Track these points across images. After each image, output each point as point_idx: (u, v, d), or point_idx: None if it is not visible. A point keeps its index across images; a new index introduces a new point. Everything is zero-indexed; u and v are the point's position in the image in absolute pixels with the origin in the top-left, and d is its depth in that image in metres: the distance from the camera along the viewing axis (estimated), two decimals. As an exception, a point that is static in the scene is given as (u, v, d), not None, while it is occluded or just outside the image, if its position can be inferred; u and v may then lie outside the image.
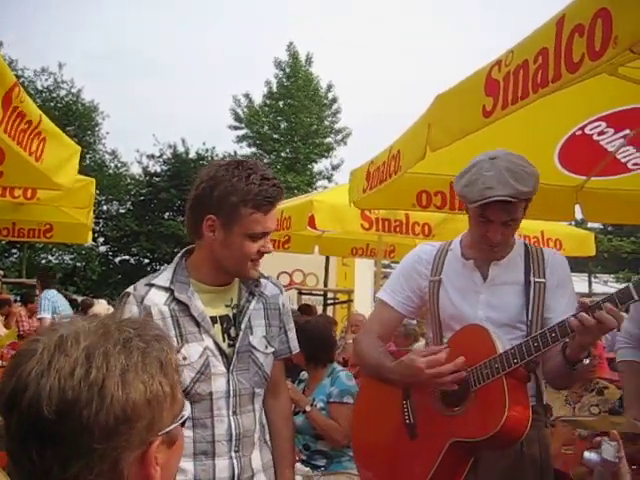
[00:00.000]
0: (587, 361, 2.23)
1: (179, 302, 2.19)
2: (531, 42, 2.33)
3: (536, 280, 2.48)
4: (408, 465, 2.47)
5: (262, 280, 2.37)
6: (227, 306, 2.28)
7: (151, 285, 2.21)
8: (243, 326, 2.26)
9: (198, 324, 2.18)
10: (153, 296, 2.18)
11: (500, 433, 2.19)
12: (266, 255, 2.29)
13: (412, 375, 2.37)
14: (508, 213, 2.38)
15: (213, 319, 2.22)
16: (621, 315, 2.12)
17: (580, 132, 3.89)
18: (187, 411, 1.15)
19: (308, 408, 4.06)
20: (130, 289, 2.22)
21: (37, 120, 3.52)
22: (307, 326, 4.53)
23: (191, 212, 2.23)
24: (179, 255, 2.32)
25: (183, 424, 1.14)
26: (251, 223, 2.13)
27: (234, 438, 2.18)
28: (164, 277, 2.24)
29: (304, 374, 4.52)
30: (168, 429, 1.07)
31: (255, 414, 2.27)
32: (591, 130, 3.87)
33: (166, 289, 2.20)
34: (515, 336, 2.43)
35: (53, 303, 8.81)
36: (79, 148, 4.55)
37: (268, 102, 31.99)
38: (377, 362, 2.56)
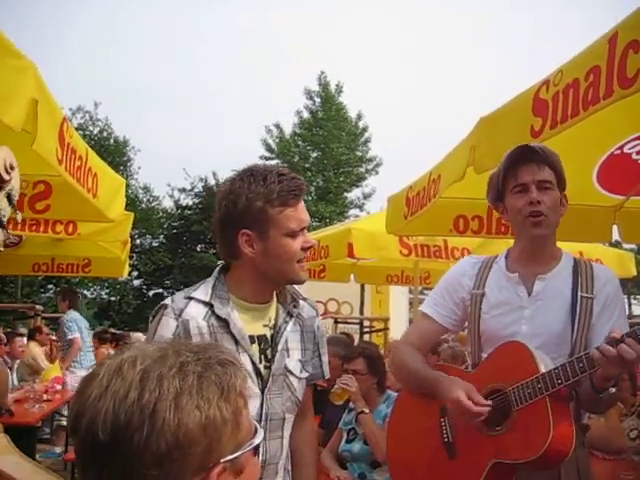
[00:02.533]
0: (613, 390, 2.18)
1: (218, 318, 2.10)
2: (581, 60, 2.33)
3: (583, 295, 2.41)
4: None
5: (300, 301, 2.30)
6: (265, 326, 2.20)
7: (190, 298, 2.13)
8: (280, 347, 2.18)
9: (237, 342, 2.09)
10: (192, 310, 2.09)
11: (545, 455, 2.13)
12: (294, 286, 2.28)
13: (446, 390, 2.36)
14: (539, 170, 2.40)
15: (251, 338, 2.14)
16: None
17: (619, 151, 3.86)
18: (258, 438, 1.10)
19: (366, 410, 4.04)
20: (167, 301, 2.14)
21: (85, 155, 3.57)
22: (375, 352, 4.52)
23: (222, 234, 2.15)
24: (217, 270, 2.24)
25: (256, 453, 1.10)
26: (284, 221, 2.06)
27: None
28: (203, 291, 2.15)
29: None
30: (231, 457, 1.04)
31: (283, 441, 2.19)
32: (630, 149, 3.84)
33: (205, 303, 2.11)
34: (559, 354, 2.36)
35: (77, 323, 8.96)
36: (124, 181, 4.63)
37: (298, 132, 32.22)
38: (416, 369, 2.54)
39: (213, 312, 2.11)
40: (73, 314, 9.05)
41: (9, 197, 2.02)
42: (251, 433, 1.09)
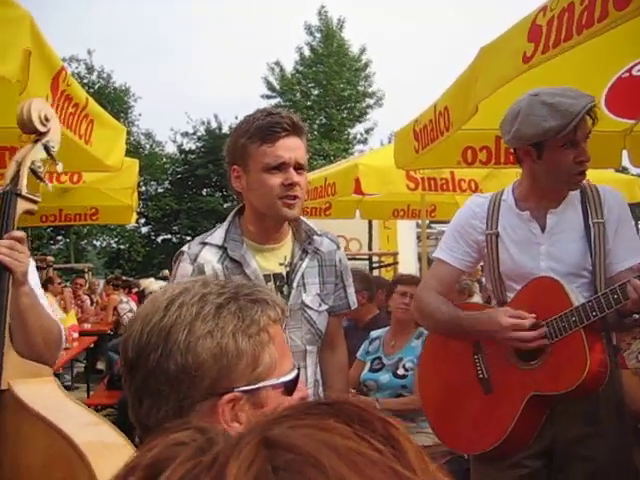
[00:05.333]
0: (637, 316, 2.22)
1: (232, 260, 2.21)
2: (577, -18, 2.24)
3: (595, 221, 2.43)
4: (485, 419, 2.48)
5: (316, 237, 2.35)
6: (281, 264, 2.29)
7: (205, 243, 2.25)
8: (295, 284, 2.26)
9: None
10: (206, 254, 2.22)
11: (582, 385, 2.20)
12: (309, 223, 2.34)
13: (493, 330, 2.37)
14: (593, 122, 2.38)
15: (266, 277, 2.24)
16: None
17: (627, 74, 3.78)
18: (286, 378, 1.15)
19: (378, 406, 4.05)
20: (185, 247, 2.28)
21: (84, 103, 3.53)
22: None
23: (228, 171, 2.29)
24: (232, 214, 2.34)
25: (289, 392, 1.15)
26: (261, 156, 2.14)
27: None
28: (218, 235, 2.27)
29: (375, 332, 4.54)
30: (247, 388, 1.08)
31: (307, 370, 2.29)
32: (639, 71, 3.76)
33: (219, 247, 2.24)
34: (580, 283, 2.41)
35: None
36: (124, 129, 4.58)
37: (300, 69, 31.75)
38: (450, 314, 2.54)
39: (227, 255, 2.22)
40: None
41: (47, 149, 2.05)
42: (279, 371, 1.13)
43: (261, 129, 2.12)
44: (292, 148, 2.15)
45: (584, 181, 2.55)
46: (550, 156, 2.38)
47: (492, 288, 2.63)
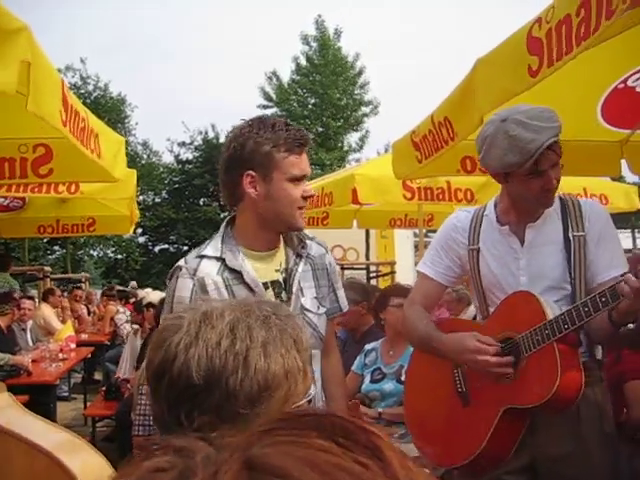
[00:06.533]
0: (632, 326, 2.21)
1: (231, 270, 2.19)
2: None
3: (575, 234, 2.40)
4: (462, 432, 2.50)
5: (307, 241, 2.36)
6: (277, 271, 2.28)
7: (202, 256, 2.22)
8: (294, 289, 2.26)
9: (252, 291, 2.18)
10: (205, 267, 2.18)
11: (553, 399, 2.19)
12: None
13: (457, 351, 2.41)
14: (557, 153, 2.30)
15: (265, 285, 2.22)
16: None
17: (622, 85, 3.80)
18: (313, 390, 1.21)
19: (380, 409, 4.10)
20: (181, 262, 2.23)
21: (86, 116, 3.55)
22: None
23: (227, 175, 2.24)
24: (224, 224, 2.32)
25: (309, 402, 1.20)
26: (288, 166, 2.15)
27: None
28: (213, 247, 2.24)
29: (369, 345, 4.53)
30: (300, 402, 1.14)
31: (315, 374, 2.30)
32: (634, 82, 3.77)
33: (217, 259, 2.20)
34: (561, 297, 2.40)
35: None
36: (123, 140, 4.61)
37: (296, 78, 31.82)
38: (425, 334, 2.58)
39: (226, 266, 2.20)
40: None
41: None
42: (310, 384, 1.21)
43: (288, 140, 2.14)
44: (307, 161, 2.24)
45: (565, 195, 2.54)
46: (517, 184, 2.37)
47: (478, 303, 2.65)
